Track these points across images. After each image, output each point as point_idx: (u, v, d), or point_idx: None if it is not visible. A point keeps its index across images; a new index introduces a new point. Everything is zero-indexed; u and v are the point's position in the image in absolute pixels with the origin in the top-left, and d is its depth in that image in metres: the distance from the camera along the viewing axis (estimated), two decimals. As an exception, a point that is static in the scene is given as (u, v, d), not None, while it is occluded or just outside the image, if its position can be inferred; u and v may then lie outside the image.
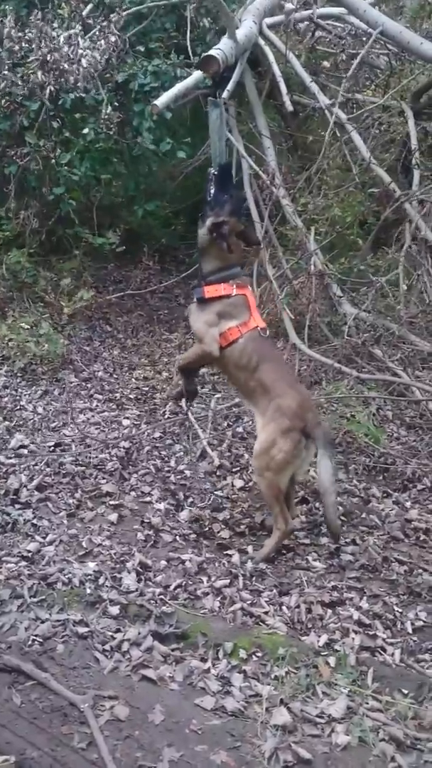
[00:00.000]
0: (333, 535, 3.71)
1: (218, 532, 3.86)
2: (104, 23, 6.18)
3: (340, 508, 4.06)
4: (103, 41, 6.02)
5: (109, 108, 6.14)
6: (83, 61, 5.83)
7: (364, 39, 6.55)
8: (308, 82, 6.42)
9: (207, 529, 3.89)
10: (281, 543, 3.66)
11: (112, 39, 6.02)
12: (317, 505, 4.10)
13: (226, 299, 3.71)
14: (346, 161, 6.41)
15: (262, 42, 6.19)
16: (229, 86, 5.43)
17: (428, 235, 6.10)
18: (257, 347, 3.71)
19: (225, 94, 5.06)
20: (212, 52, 4.60)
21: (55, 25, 6.22)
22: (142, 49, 6.53)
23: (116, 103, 6.29)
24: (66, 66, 5.83)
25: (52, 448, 4.64)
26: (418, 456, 4.59)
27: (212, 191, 3.76)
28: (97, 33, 6.18)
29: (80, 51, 5.93)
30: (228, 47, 4.83)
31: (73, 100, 6.16)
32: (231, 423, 5.15)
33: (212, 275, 3.76)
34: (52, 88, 5.97)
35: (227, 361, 3.74)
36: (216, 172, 3.78)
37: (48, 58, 5.91)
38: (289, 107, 5.88)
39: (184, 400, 4.21)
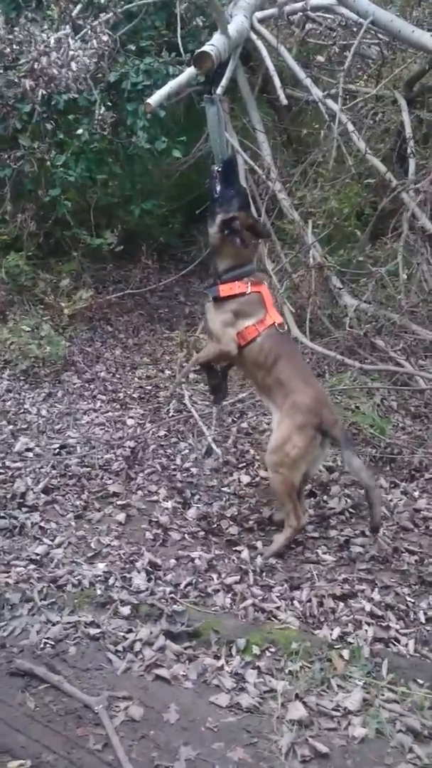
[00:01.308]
0: (372, 529, 3.66)
1: (227, 529, 3.85)
2: (95, 23, 6.15)
3: (348, 500, 4.06)
4: (94, 41, 5.98)
5: (103, 108, 6.11)
6: (73, 65, 5.80)
7: (355, 30, 6.52)
8: (301, 74, 6.39)
9: (215, 525, 3.87)
10: (292, 539, 3.65)
11: (104, 39, 5.99)
12: (325, 498, 4.09)
13: (241, 297, 3.67)
14: (341, 153, 6.38)
15: (254, 36, 6.16)
16: (223, 82, 5.40)
17: (426, 223, 6.07)
18: (275, 344, 3.68)
19: (219, 90, 5.03)
20: (206, 48, 4.57)
21: (45, 26, 6.19)
22: (133, 47, 6.50)
23: (109, 103, 6.26)
24: (55, 72, 5.80)
25: (57, 450, 4.63)
26: (425, 445, 4.58)
27: (218, 188, 3.73)
28: (89, 33, 6.15)
29: (71, 53, 5.90)
30: (221, 43, 4.80)
31: (66, 101, 6.14)
32: (236, 419, 5.14)
33: (226, 273, 3.71)
34: (44, 92, 5.94)
35: (245, 359, 3.72)
36: (219, 169, 3.75)
37: (35, 66, 5.88)
38: (284, 101, 5.85)
39: (212, 395, 4.19)
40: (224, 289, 3.68)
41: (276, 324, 3.72)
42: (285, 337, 3.88)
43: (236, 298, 3.68)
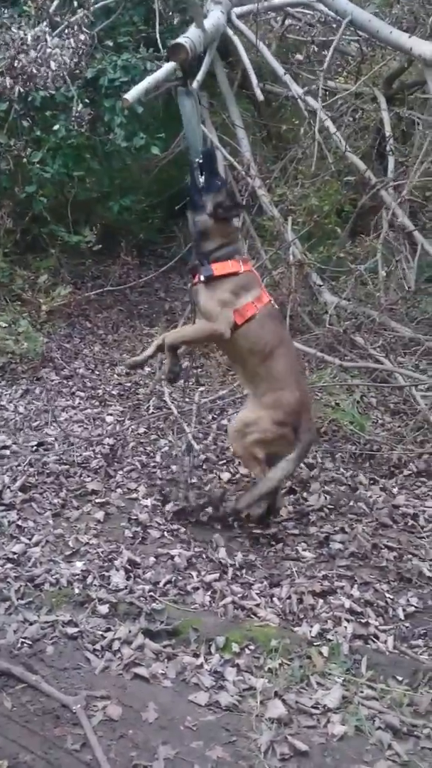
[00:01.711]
0: (233, 510, 3.75)
1: (206, 526, 3.83)
2: (72, 20, 6.10)
3: (328, 496, 4.06)
4: (72, 39, 5.93)
5: (80, 105, 6.07)
6: (52, 64, 5.74)
7: (334, 26, 6.52)
8: (280, 70, 6.38)
9: (195, 523, 3.85)
10: (263, 491, 3.63)
11: (82, 37, 5.94)
12: (304, 495, 4.09)
13: (235, 276, 3.63)
14: (321, 150, 6.38)
15: (230, 32, 6.15)
16: (199, 76, 5.38)
17: (405, 221, 6.10)
18: (276, 328, 3.71)
19: (195, 84, 5.01)
20: (180, 40, 4.56)
21: (22, 23, 6.12)
22: (110, 43, 6.46)
23: (87, 100, 6.22)
24: (34, 70, 5.74)
25: (35, 447, 4.59)
26: (403, 442, 4.59)
27: (202, 179, 3.70)
28: (66, 31, 6.09)
29: (49, 50, 5.84)
30: (195, 35, 4.80)
31: (43, 98, 6.09)
32: (216, 416, 5.12)
33: (216, 252, 3.65)
34: (21, 89, 5.88)
35: (237, 343, 3.64)
36: (200, 160, 3.73)
37: (15, 64, 5.81)
38: (260, 97, 5.85)
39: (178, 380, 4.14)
40: (218, 267, 3.61)
41: (271, 301, 3.75)
42: (280, 318, 3.92)
43: (230, 277, 3.63)
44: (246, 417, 3.67)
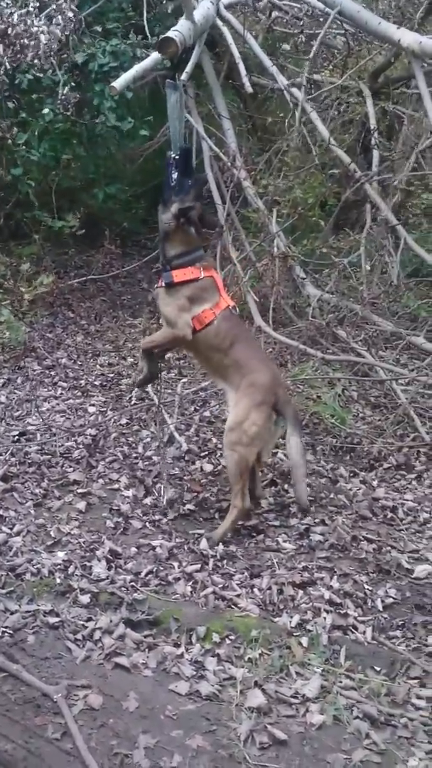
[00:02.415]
0: (301, 510, 3.79)
1: (188, 517, 3.85)
2: (60, 1, 6.04)
3: (309, 488, 4.08)
4: (60, 17, 5.87)
5: (67, 88, 6.03)
6: (42, 37, 5.68)
7: (322, 19, 6.52)
8: (267, 62, 6.37)
9: (177, 514, 3.87)
10: (238, 521, 3.68)
11: (69, 15, 5.88)
12: (286, 486, 4.11)
13: (195, 283, 3.68)
14: (306, 142, 6.39)
15: (219, 23, 6.12)
16: (188, 68, 5.36)
17: (388, 215, 6.13)
18: (230, 327, 3.75)
19: (183, 76, 4.99)
20: (170, 33, 4.52)
21: (9, 1, 6.05)
22: (99, 29, 6.42)
23: (74, 84, 6.18)
24: (25, 41, 5.68)
25: (17, 437, 4.58)
26: (384, 435, 4.62)
27: (174, 176, 3.69)
28: (54, 10, 6.04)
29: (35, 29, 5.78)
30: (186, 28, 4.75)
31: (30, 80, 6.04)
32: (198, 407, 5.13)
33: (177, 259, 3.70)
34: (8, 65, 5.81)
35: (200, 343, 3.73)
36: (177, 156, 3.72)
37: (9, 31, 5.74)
38: (249, 89, 5.84)
39: (149, 384, 4.20)
40: (177, 275, 3.67)
41: (229, 306, 3.80)
42: (238, 319, 4.00)
43: (190, 283, 3.68)
44: (234, 417, 3.65)
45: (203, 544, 3.56)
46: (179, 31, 4.59)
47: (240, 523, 3.73)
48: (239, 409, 3.63)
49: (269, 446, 3.86)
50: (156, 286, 3.83)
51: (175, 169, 3.68)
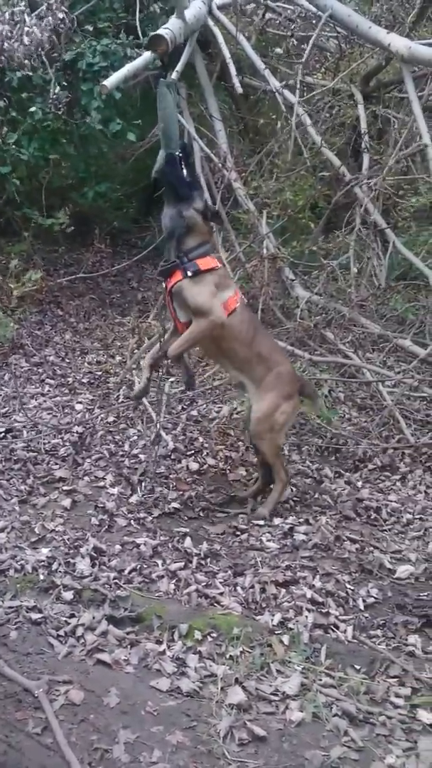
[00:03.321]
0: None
1: (173, 515, 3.86)
2: (51, 1, 6.05)
3: (293, 489, 4.12)
4: (50, 17, 5.88)
5: (57, 87, 6.03)
6: (25, 39, 5.69)
7: (314, 22, 6.55)
8: (259, 64, 6.39)
9: (162, 512, 3.88)
10: (284, 492, 3.96)
11: (60, 16, 5.89)
12: (271, 487, 4.12)
13: (216, 271, 3.75)
14: (297, 145, 6.41)
15: (211, 23, 6.14)
16: (178, 66, 5.37)
17: (378, 218, 6.17)
18: (251, 315, 3.99)
19: (174, 75, 5.00)
20: (160, 31, 4.53)
21: (0, 2, 6.07)
22: (90, 28, 6.42)
23: (65, 83, 6.18)
24: (6, 45, 5.68)
25: (3, 434, 4.58)
26: (369, 436, 4.66)
27: (185, 172, 3.74)
28: (44, 10, 6.04)
29: (26, 29, 5.79)
30: (176, 27, 4.77)
31: (20, 78, 6.04)
32: (185, 406, 5.15)
33: (196, 250, 3.73)
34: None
35: (227, 332, 3.77)
36: (179, 153, 3.73)
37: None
38: (239, 89, 5.86)
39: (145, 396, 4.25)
40: (203, 263, 3.70)
41: (240, 295, 3.93)
42: (251, 310, 4.20)
43: (212, 271, 3.73)
44: (264, 409, 3.83)
45: (188, 542, 3.58)
46: (169, 28, 4.61)
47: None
48: (268, 401, 3.83)
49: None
50: (169, 284, 3.75)
51: (181, 165, 3.71)
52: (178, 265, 3.72)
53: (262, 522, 3.83)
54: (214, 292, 3.71)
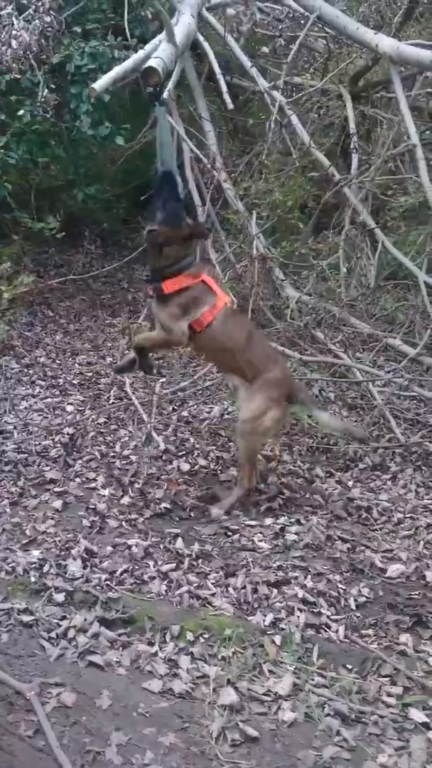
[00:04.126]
0: (361, 440, 4.41)
1: (165, 516, 3.86)
2: (38, 3, 6.03)
3: (286, 491, 4.12)
4: (38, 21, 5.86)
5: (46, 90, 6.01)
6: (14, 43, 5.67)
7: (302, 22, 6.57)
8: (247, 65, 6.40)
9: (153, 513, 3.88)
10: (241, 498, 3.93)
11: (47, 19, 5.87)
12: (261, 486, 4.13)
13: (186, 291, 3.76)
14: (286, 145, 6.43)
15: (200, 36, 6.12)
16: (170, 85, 5.36)
17: (367, 219, 6.18)
18: (235, 324, 3.94)
19: (165, 94, 4.99)
20: (152, 63, 4.49)
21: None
22: (78, 30, 6.40)
23: (53, 86, 6.16)
24: (-1, 46, 5.68)
25: (-7, 436, 4.57)
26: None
27: (164, 189, 3.79)
28: (32, 13, 6.03)
29: (14, 32, 5.78)
30: (167, 54, 4.74)
31: (8, 81, 6.02)
32: (176, 407, 5.14)
33: (166, 269, 3.76)
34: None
35: (205, 344, 3.87)
36: (166, 170, 3.80)
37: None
38: (230, 105, 5.86)
39: (140, 372, 4.34)
40: (168, 285, 3.73)
41: (227, 304, 3.92)
42: (241, 315, 4.23)
43: (182, 292, 3.75)
44: (252, 410, 3.85)
45: (179, 543, 3.58)
46: (161, 57, 4.59)
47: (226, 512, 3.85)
48: (255, 404, 3.85)
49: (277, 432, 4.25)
50: (148, 295, 3.91)
51: (161, 185, 3.78)
52: (150, 282, 3.84)
53: (252, 521, 3.83)
54: (176, 314, 3.74)
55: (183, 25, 5.52)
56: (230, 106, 5.87)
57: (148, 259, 3.89)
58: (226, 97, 5.76)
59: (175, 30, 5.02)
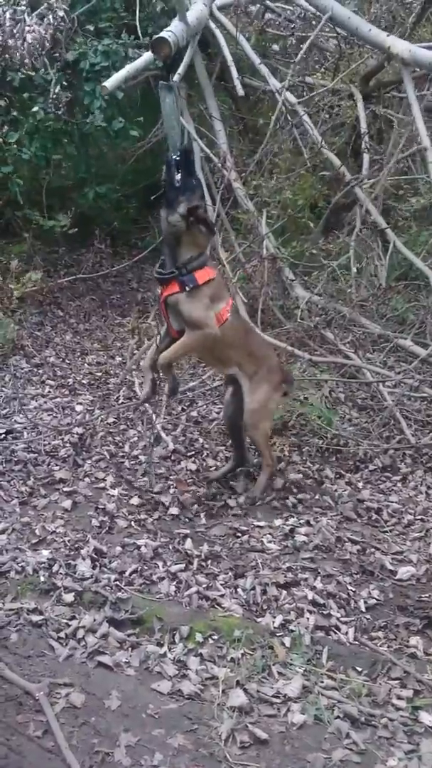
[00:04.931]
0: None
1: (174, 516, 3.86)
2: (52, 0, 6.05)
3: (295, 489, 4.12)
4: (51, 16, 5.88)
5: (58, 87, 6.03)
6: (28, 37, 5.69)
7: (314, 22, 6.55)
8: (258, 64, 6.39)
9: (162, 513, 3.87)
10: (270, 478, 4.13)
11: (60, 14, 5.89)
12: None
13: (212, 282, 3.77)
14: (297, 145, 6.41)
15: (212, 24, 6.13)
16: (180, 69, 5.36)
17: (378, 219, 6.16)
18: (241, 321, 4.18)
19: (176, 77, 4.99)
20: (163, 34, 4.52)
21: (2, 1, 6.06)
22: (91, 28, 6.42)
23: (65, 83, 6.17)
24: (10, 42, 5.68)
25: (3, 435, 4.57)
26: (370, 437, 4.65)
27: (178, 176, 3.67)
28: (45, 10, 6.04)
29: (27, 28, 5.79)
30: (179, 30, 4.76)
31: (22, 78, 6.04)
32: (185, 407, 5.14)
33: (193, 261, 3.72)
34: (-1, 66, 5.83)
35: (220, 340, 3.84)
36: (178, 157, 3.71)
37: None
38: (240, 91, 5.85)
39: (165, 396, 4.33)
40: (200, 276, 3.71)
41: (232, 302, 4.02)
42: (239, 313, 4.36)
43: (209, 283, 3.75)
44: (260, 400, 4.02)
45: (188, 543, 3.58)
46: (172, 32, 4.60)
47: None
48: (262, 393, 4.02)
49: None
50: (165, 294, 3.75)
51: (177, 169, 3.67)
52: (176, 277, 3.71)
53: (261, 522, 3.82)
54: (209, 305, 3.75)
55: (195, 9, 5.53)
56: (241, 92, 5.85)
57: (171, 249, 3.73)
58: (237, 83, 5.75)
59: (188, 14, 5.03)
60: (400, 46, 4.99)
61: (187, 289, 3.68)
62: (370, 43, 5.57)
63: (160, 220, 3.81)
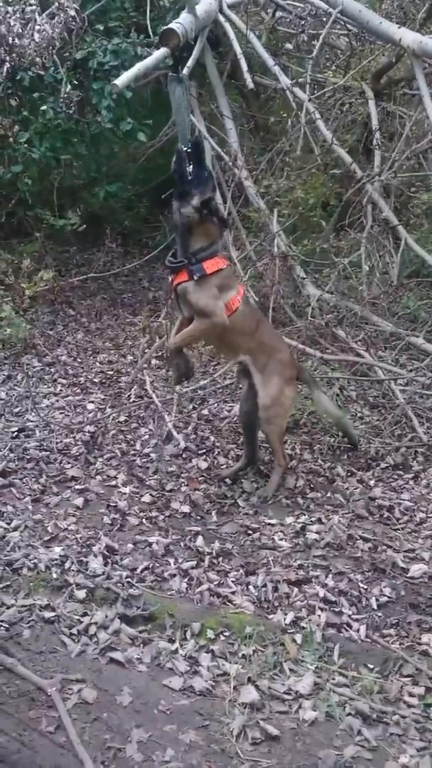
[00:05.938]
0: (352, 444, 4.52)
1: (185, 514, 3.87)
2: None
3: (310, 487, 4.11)
4: (61, 15, 5.90)
5: (69, 86, 6.05)
6: (36, 36, 5.71)
7: (324, 19, 6.53)
8: (269, 62, 6.38)
9: (173, 511, 3.88)
10: (283, 476, 4.13)
11: (71, 13, 5.91)
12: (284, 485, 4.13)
13: (222, 272, 3.80)
14: (308, 142, 6.40)
15: (222, 19, 6.13)
16: (189, 62, 5.36)
17: (389, 216, 6.14)
18: (252, 310, 4.15)
19: (185, 71, 4.99)
20: (172, 25, 4.54)
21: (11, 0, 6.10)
22: (101, 27, 6.43)
23: (75, 82, 6.19)
24: (17, 41, 5.71)
25: (16, 433, 4.59)
26: (381, 435, 4.63)
27: (190, 168, 3.69)
28: (55, 9, 6.06)
29: (37, 26, 5.82)
30: (188, 21, 4.77)
31: (32, 78, 6.06)
32: (196, 405, 5.14)
33: (203, 252, 3.75)
34: (8, 65, 5.84)
35: (230, 329, 3.86)
36: (189, 149, 3.71)
37: (7, 30, 5.79)
38: (250, 84, 5.83)
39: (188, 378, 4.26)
40: (209, 266, 3.73)
41: (242, 291, 4.03)
42: (252, 303, 4.33)
43: (218, 273, 3.77)
44: (273, 394, 3.99)
45: (200, 540, 3.58)
46: (181, 23, 4.61)
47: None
48: (274, 387, 3.99)
49: None
50: (174, 282, 3.81)
51: (189, 162, 3.69)
52: (186, 265, 3.74)
53: (272, 520, 3.82)
54: (216, 295, 3.77)
55: (204, 3, 5.54)
56: (250, 85, 5.83)
57: (182, 238, 3.77)
58: (247, 77, 5.73)
59: (196, 7, 5.05)
60: (410, 38, 4.98)
61: (195, 278, 3.72)
62: (381, 37, 5.56)
63: (173, 214, 3.83)
